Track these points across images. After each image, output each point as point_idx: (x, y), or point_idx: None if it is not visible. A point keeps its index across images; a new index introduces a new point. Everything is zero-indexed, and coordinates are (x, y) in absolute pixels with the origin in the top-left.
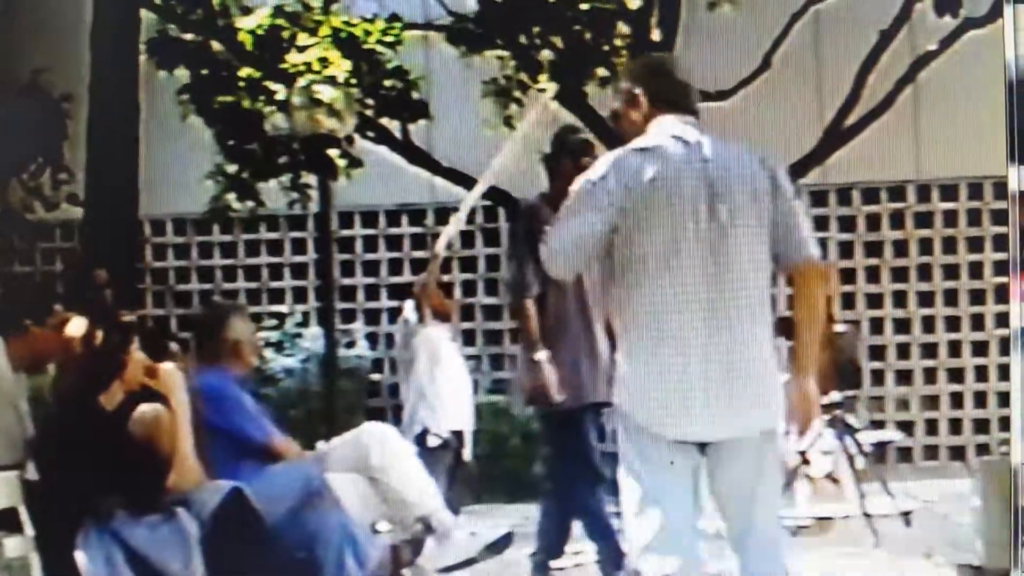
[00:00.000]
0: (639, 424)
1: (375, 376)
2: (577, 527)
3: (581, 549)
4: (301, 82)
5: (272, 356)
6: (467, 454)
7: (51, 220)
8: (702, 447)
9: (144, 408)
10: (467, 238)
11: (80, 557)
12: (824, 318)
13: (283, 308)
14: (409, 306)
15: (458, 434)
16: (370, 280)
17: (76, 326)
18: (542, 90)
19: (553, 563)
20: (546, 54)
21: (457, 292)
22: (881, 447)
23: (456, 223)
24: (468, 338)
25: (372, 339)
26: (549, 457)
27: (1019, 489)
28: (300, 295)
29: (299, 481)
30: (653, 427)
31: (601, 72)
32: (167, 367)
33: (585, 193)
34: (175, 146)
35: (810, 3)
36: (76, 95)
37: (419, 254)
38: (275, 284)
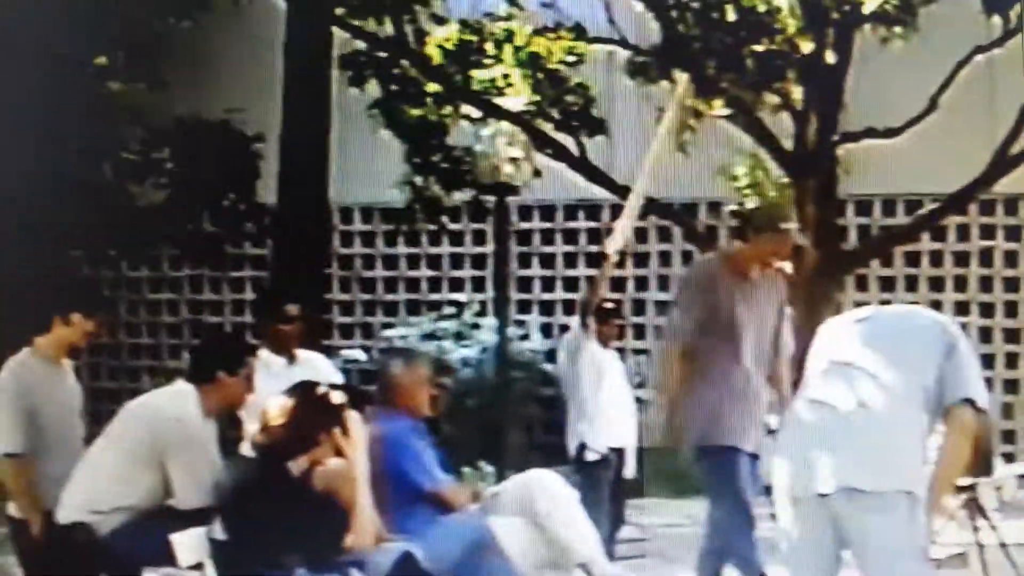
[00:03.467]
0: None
1: (548, 366)
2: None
3: None
4: (486, 131)
5: (451, 347)
6: (629, 471)
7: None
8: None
9: (328, 463)
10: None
11: None
12: (964, 464)
13: (462, 297)
14: (575, 321)
15: (619, 451)
16: (546, 272)
17: (276, 408)
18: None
19: None
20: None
21: (628, 307)
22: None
23: (625, 221)
24: (639, 333)
25: (546, 330)
26: (708, 497)
27: None
28: (479, 285)
29: (468, 535)
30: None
31: (772, 100)
32: (356, 426)
33: None
34: (364, 146)
35: (977, 51)
36: (267, 135)
37: (594, 248)
38: (456, 273)
